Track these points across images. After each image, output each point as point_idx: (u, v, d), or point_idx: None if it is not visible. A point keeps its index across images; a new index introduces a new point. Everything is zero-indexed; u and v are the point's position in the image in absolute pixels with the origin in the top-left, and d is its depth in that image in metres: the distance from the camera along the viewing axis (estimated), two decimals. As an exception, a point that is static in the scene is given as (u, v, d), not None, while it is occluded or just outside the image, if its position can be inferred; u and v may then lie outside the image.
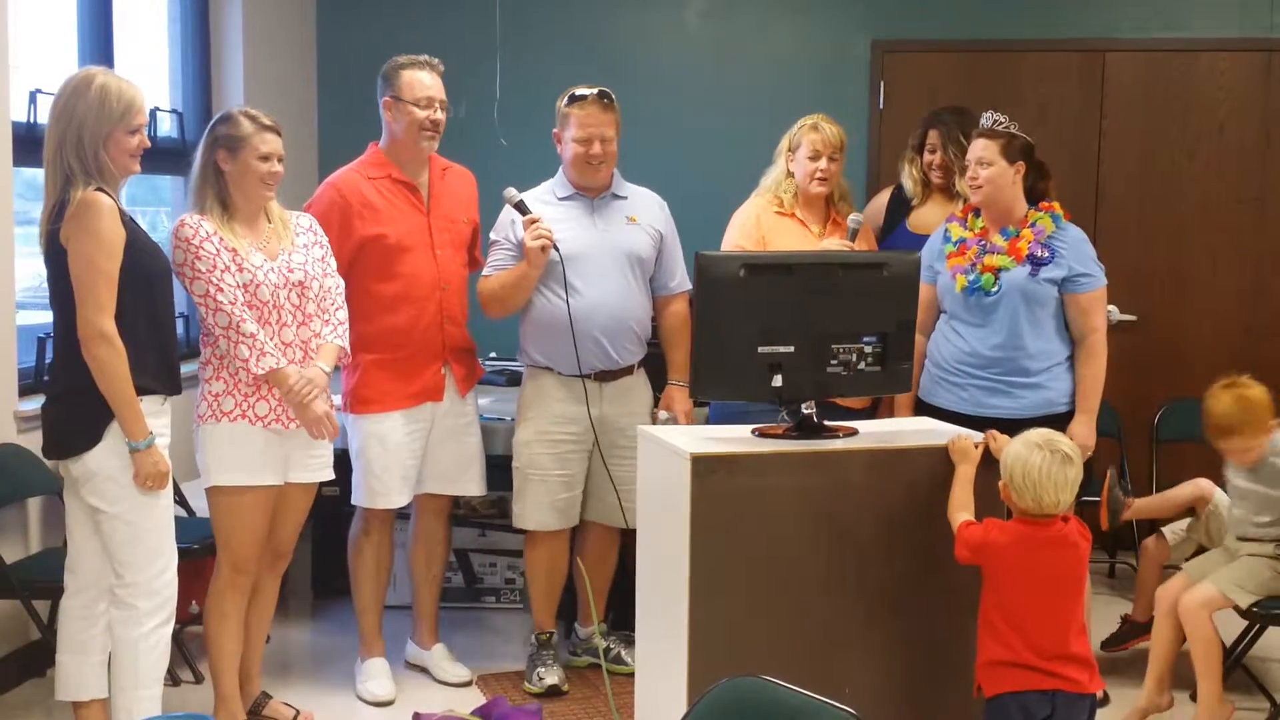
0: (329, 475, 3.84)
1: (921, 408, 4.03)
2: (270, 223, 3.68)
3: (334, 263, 3.82)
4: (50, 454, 3.46)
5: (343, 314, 3.80)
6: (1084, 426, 3.92)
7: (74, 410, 3.33)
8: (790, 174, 4.23)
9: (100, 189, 3.25)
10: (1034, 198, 4.04)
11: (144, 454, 3.32)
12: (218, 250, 3.52)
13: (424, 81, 4.05)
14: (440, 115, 4.07)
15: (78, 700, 3.50)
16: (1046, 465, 2.97)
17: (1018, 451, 3.02)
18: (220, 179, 3.58)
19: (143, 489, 3.34)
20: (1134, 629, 4.41)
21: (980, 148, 3.97)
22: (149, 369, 3.35)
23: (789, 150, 4.25)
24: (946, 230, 4.12)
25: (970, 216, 4.08)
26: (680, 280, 4.27)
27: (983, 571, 3.07)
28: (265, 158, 3.57)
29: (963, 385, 3.99)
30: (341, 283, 3.84)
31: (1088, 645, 3.07)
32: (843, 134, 4.22)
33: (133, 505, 3.35)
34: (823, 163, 4.15)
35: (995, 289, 3.93)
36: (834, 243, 4.12)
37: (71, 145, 3.23)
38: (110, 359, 3.25)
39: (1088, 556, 3.09)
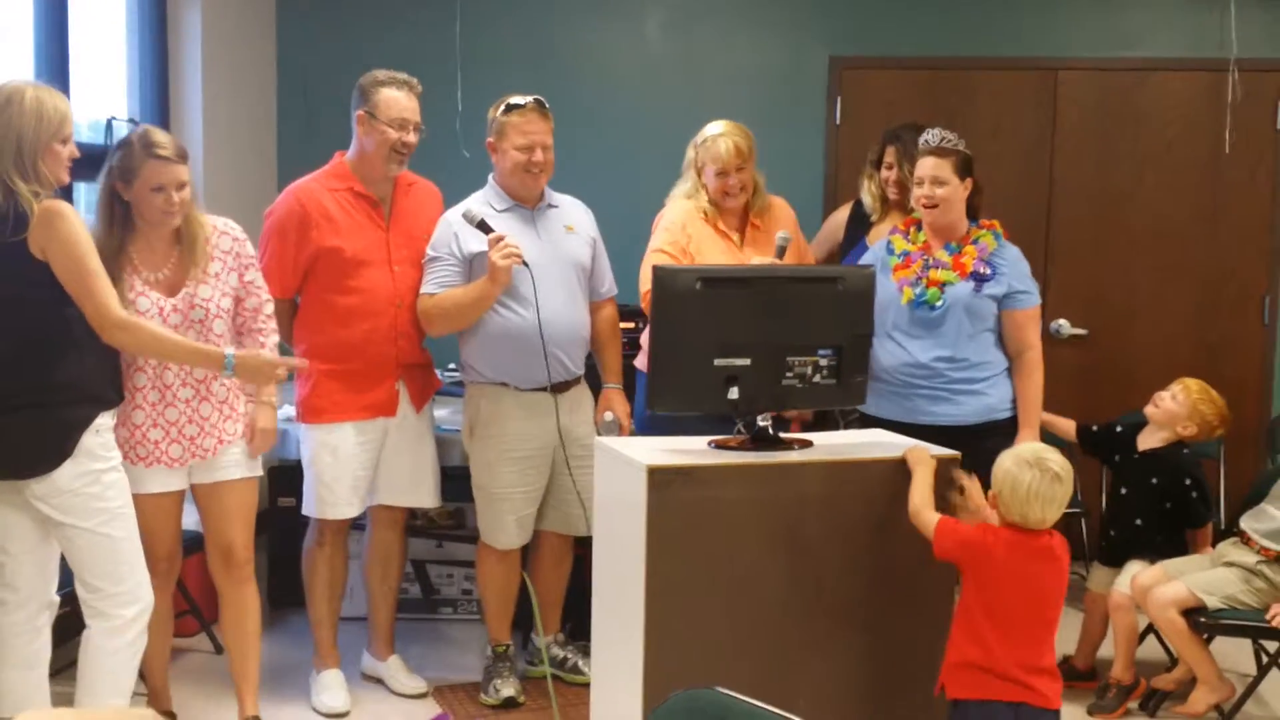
0: (239, 474, 3.71)
1: (866, 421, 4.06)
2: (180, 246, 3.58)
3: (259, 280, 3.75)
4: (4, 473, 3.29)
5: (275, 338, 3.78)
6: (1031, 441, 3.93)
7: (39, 427, 3.26)
8: (704, 184, 4.24)
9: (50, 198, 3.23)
10: (971, 212, 4.10)
11: (243, 359, 3.45)
12: None
13: (400, 102, 4.02)
14: (412, 138, 4.05)
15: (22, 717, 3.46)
16: (1036, 483, 3.01)
17: (1008, 468, 3.06)
18: (125, 206, 3.52)
19: (282, 375, 3.55)
20: (1073, 673, 4.36)
21: (933, 166, 4.01)
22: (107, 378, 3.34)
23: (696, 168, 4.25)
24: (889, 243, 4.17)
25: (912, 230, 4.13)
26: (609, 285, 4.30)
27: (963, 572, 3.09)
28: (159, 188, 3.47)
29: (906, 395, 4.04)
30: (269, 300, 3.77)
31: (1055, 659, 3.11)
32: (744, 143, 4.17)
33: (106, 517, 3.32)
34: (730, 179, 4.17)
35: (940, 303, 3.99)
36: (761, 261, 4.11)
37: (10, 157, 3.19)
38: (140, 332, 3.32)
39: (1067, 572, 3.12)
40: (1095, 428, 4.56)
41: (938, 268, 4.02)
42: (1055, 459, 3.07)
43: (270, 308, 3.78)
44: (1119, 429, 4.53)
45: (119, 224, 3.53)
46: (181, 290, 3.57)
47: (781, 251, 4.07)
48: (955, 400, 4.01)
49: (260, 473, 3.82)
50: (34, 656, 3.45)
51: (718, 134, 4.19)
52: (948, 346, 4.01)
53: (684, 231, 4.19)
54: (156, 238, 3.57)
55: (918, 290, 4.02)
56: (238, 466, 3.72)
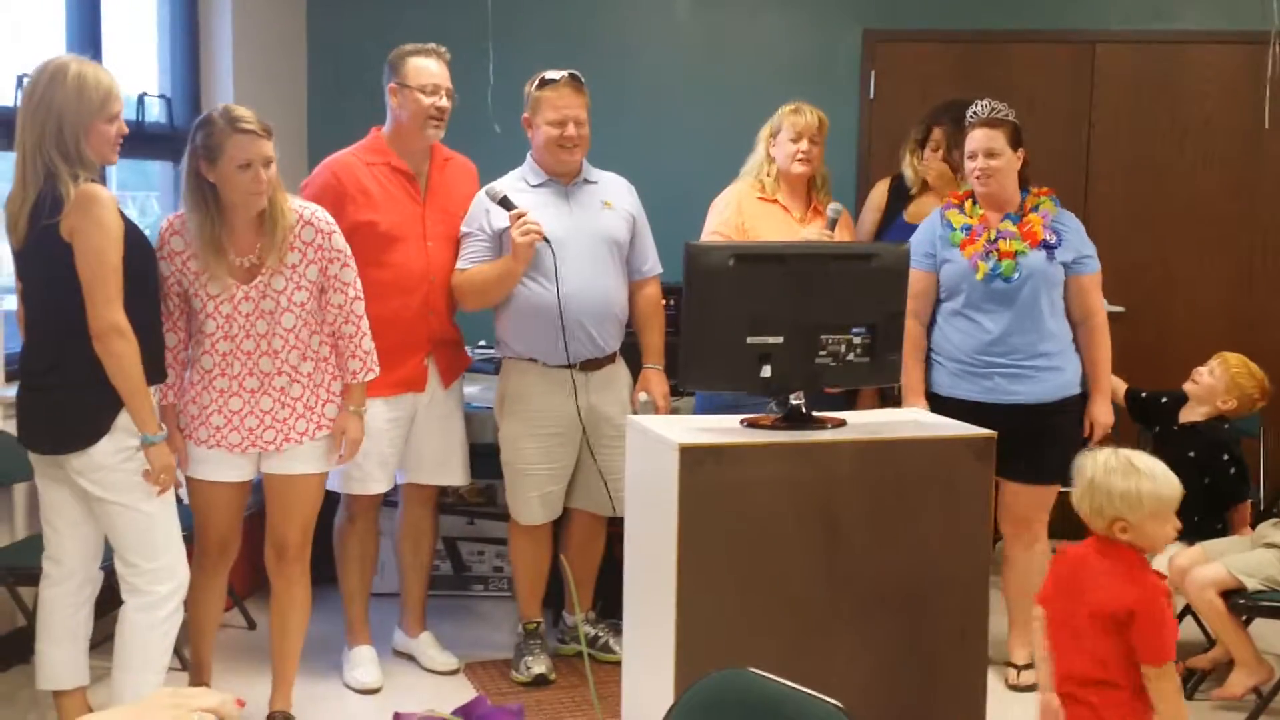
0: (304, 469, 3.66)
1: (940, 402, 3.99)
2: (263, 236, 3.46)
3: (346, 275, 3.60)
4: (46, 448, 3.36)
5: (368, 342, 3.67)
6: (1104, 406, 4.05)
7: (78, 404, 3.28)
8: (771, 159, 4.25)
9: (91, 180, 3.22)
10: (1021, 182, 4.07)
11: (157, 448, 3.31)
12: (172, 273, 3.48)
13: (430, 69, 4.02)
14: (445, 103, 4.05)
15: (62, 689, 3.49)
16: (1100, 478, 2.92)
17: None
18: (211, 187, 3.42)
19: (154, 484, 3.32)
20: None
21: (987, 138, 3.96)
22: (148, 355, 3.32)
23: (770, 136, 4.28)
24: (946, 218, 4.09)
25: (968, 203, 4.07)
26: (652, 264, 4.27)
27: None
28: (246, 165, 3.37)
29: (987, 374, 4.00)
30: (359, 299, 3.64)
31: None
32: (823, 118, 4.26)
33: (145, 493, 3.34)
34: (804, 144, 4.20)
35: (1015, 275, 3.94)
36: (815, 229, 4.13)
37: (52, 137, 3.17)
38: (126, 352, 3.22)
39: (1152, 613, 2.82)
40: (1144, 394, 4.58)
41: (1006, 238, 3.97)
42: (1095, 461, 2.92)
43: (361, 306, 3.65)
44: (1164, 400, 4.53)
45: (213, 208, 3.42)
46: (257, 278, 3.49)
47: (834, 224, 4.09)
48: (1037, 378, 3.99)
49: (328, 468, 3.75)
50: (75, 630, 3.49)
51: (800, 104, 4.28)
52: (1025, 318, 3.98)
53: (738, 212, 4.20)
54: (243, 222, 3.46)
55: (990, 263, 3.97)
56: (306, 461, 3.66)
